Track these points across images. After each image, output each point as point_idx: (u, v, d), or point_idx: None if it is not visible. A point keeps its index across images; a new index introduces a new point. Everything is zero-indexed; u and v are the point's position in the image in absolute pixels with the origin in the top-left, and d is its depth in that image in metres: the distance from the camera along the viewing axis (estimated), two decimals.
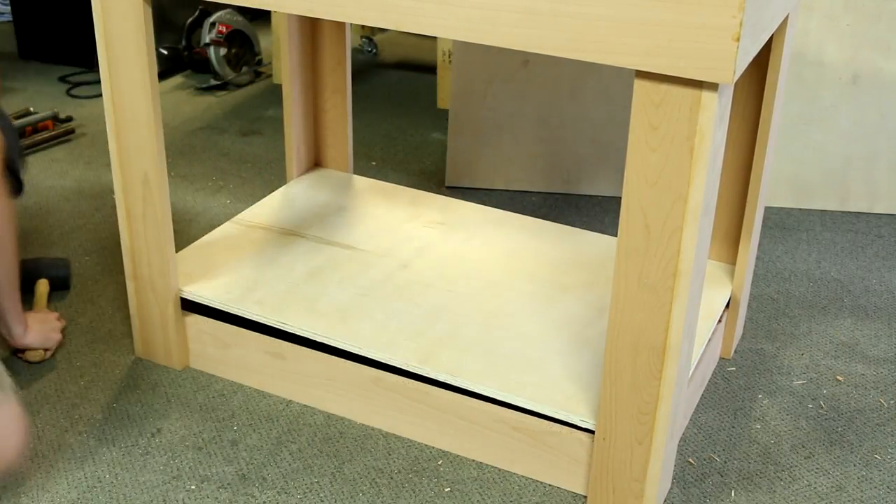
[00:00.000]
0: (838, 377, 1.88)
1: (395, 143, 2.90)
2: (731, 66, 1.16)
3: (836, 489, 1.60)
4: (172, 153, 2.75)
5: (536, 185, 2.61)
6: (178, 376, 1.81)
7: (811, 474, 1.63)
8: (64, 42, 3.38)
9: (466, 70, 2.50)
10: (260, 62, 3.37)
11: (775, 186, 2.53)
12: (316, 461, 1.63)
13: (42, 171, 2.63)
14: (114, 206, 2.43)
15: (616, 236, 1.37)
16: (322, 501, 1.54)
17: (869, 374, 1.89)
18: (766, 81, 1.69)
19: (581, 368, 1.63)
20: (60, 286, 2.08)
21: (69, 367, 1.83)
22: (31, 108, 2.89)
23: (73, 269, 2.15)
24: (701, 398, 1.80)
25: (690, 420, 1.75)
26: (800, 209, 2.55)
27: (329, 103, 2.20)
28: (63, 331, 1.91)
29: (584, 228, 2.42)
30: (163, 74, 3.32)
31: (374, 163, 2.76)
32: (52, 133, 2.79)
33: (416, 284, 1.83)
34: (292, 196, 2.15)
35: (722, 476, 1.62)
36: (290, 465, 1.62)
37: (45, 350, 1.84)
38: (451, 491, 1.57)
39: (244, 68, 3.31)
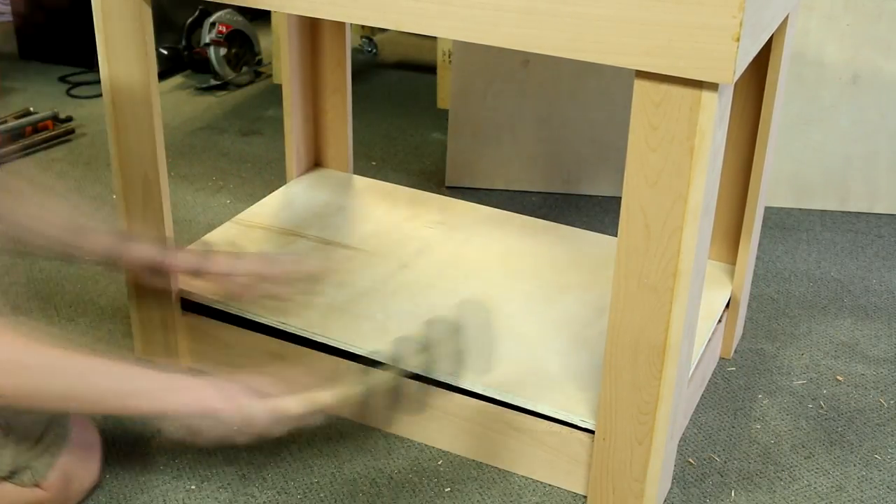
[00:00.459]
0: (838, 377, 1.88)
1: (395, 143, 2.90)
2: (731, 66, 1.16)
3: (836, 489, 1.60)
4: (172, 153, 2.75)
5: (536, 185, 2.61)
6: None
7: (811, 474, 1.63)
8: (64, 42, 3.38)
9: (466, 70, 2.50)
10: (260, 62, 3.37)
11: (775, 186, 2.53)
12: (316, 461, 1.63)
13: (42, 171, 2.63)
14: (114, 206, 2.43)
15: (616, 236, 1.36)
16: (322, 501, 1.54)
17: (869, 374, 1.89)
18: (766, 81, 1.69)
19: (581, 369, 1.63)
20: None
21: None
22: (31, 108, 2.89)
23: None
24: (701, 398, 1.80)
25: (690, 420, 1.75)
26: (800, 209, 2.55)
27: (329, 103, 2.20)
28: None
29: (584, 228, 2.42)
30: (163, 74, 3.31)
31: (374, 163, 2.76)
32: (52, 133, 2.79)
33: (417, 285, 1.83)
34: (292, 196, 2.15)
35: (722, 476, 1.62)
36: (290, 465, 1.62)
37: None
38: (451, 491, 1.57)
39: (244, 68, 3.31)
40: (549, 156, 2.57)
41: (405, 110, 3.15)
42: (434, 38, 3.56)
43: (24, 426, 1.37)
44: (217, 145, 2.84)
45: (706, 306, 1.79)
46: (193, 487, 1.56)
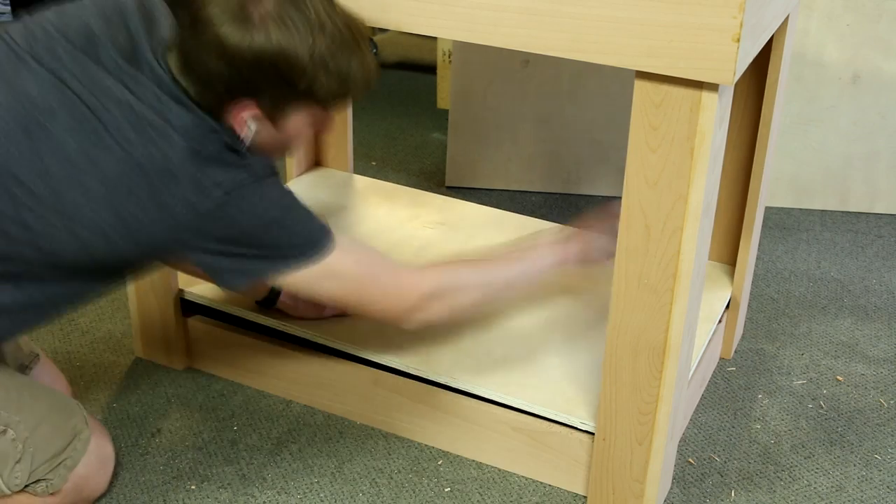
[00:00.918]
0: (838, 377, 1.88)
1: (395, 143, 2.90)
2: (732, 66, 1.16)
3: (836, 489, 1.60)
4: None
5: (536, 185, 2.61)
6: (178, 376, 1.81)
7: (811, 474, 1.63)
8: None
9: (466, 70, 2.50)
10: None
11: (775, 186, 2.53)
12: (316, 461, 1.63)
13: None
14: None
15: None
16: (322, 501, 1.54)
17: (869, 374, 1.89)
18: (766, 81, 1.69)
19: (580, 371, 1.63)
20: None
21: (69, 368, 1.83)
22: None
23: None
24: (701, 398, 1.80)
25: (690, 420, 1.75)
26: (800, 209, 2.55)
27: None
28: None
29: None
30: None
31: (374, 163, 2.76)
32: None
33: None
34: None
35: (722, 476, 1.62)
36: (290, 465, 1.62)
37: None
38: (451, 491, 1.57)
39: None
40: (549, 156, 2.57)
41: (405, 110, 3.15)
42: (434, 38, 3.56)
43: (44, 441, 1.38)
44: None
45: (706, 307, 1.79)
46: (193, 487, 1.56)
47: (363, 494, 1.56)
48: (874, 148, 2.47)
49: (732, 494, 1.59)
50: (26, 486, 1.37)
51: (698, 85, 1.21)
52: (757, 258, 2.27)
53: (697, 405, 1.79)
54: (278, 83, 1.24)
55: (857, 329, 2.04)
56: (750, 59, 1.26)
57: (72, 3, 1.33)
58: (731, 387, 1.84)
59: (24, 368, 1.56)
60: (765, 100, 1.71)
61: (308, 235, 1.34)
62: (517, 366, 1.64)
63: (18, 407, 1.36)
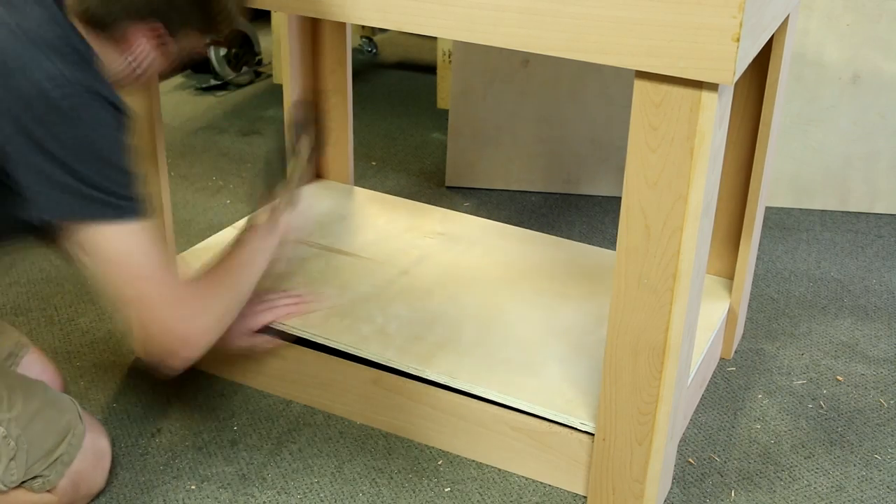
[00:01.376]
0: (838, 377, 1.88)
1: (395, 143, 2.90)
2: (732, 66, 1.16)
3: (836, 489, 1.60)
4: (172, 153, 2.75)
5: (536, 185, 2.61)
6: (178, 376, 1.81)
7: (811, 474, 1.63)
8: None
9: (466, 70, 2.50)
10: (260, 62, 3.37)
11: (775, 186, 2.53)
12: (316, 461, 1.63)
13: None
14: None
15: (616, 238, 1.37)
16: (322, 501, 1.54)
17: (869, 374, 1.89)
18: (766, 81, 1.69)
19: (580, 374, 1.63)
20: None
21: (69, 368, 1.83)
22: None
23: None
24: (701, 398, 1.80)
25: (690, 420, 1.75)
26: (800, 209, 2.55)
27: (329, 104, 2.20)
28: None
29: (584, 228, 2.42)
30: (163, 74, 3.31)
31: (374, 163, 2.76)
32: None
33: (417, 290, 1.83)
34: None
35: (722, 476, 1.62)
36: (290, 465, 1.62)
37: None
38: (451, 491, 1.57)
39: (244, 68, 3.31)
40: (549, 156, 2.57)
41: (405, 110, 3.16)
42: (434, 38, 3.56)
43: (38, 438, 1.38)
44: (217, 145, 2.84)
45: (706, 315, 1.79)
46: (193, 487, 1.56)
47: (363, 494, 1.56)
48: (874, 148, 2.47)
49: (732, 494, 1.59)
50: (23, 482, 1.37)
51: (698, 85, 1.21)
52: (757, 258, 2.27)
53: (697, 405, 1.79)
54: (194, 9, 1.29)
55: (857, 329, 2.04)
56: (750, 59, 1.26)
57: None
58: (731, 387, 1.84)
59: (12, 357, 1.55)
60: (765, 100, 1.71)
61: (130, 191, 1.25)
62: (517, 367, 1.64)
63: (10, 404, 1.36)
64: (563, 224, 2.44)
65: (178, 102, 3.14)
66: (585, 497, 1.57)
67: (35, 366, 1.59)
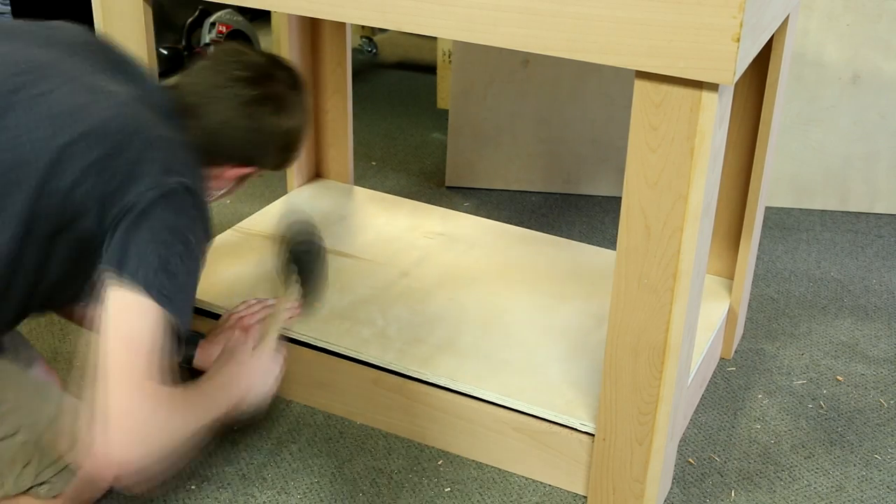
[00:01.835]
0: (838, 377, 1.88)
1: (395, 143, 2.90)
2: (732, 66, 1.16)
3: (836, 489, 1.60)
4: None
5: (536, 185, 2.61)
6: (179, 377, 1.81)
7: (811, 474, 1.63)
8: None
9: (466, 70, 2.50)
10: None
11: (775, 186, 2.53)
12: (316, 461, 1.63)
13: None
14: None
15: (615, 238, 1.36)
16: (322, 501, 1.54)
17: (869, 374, 1.89)
18: (766, 81, 1.69)
19: (580, 374, 1.63)
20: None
21: (69, 368, 1.83)
22: None
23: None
24: (701, 398, 1.80)
25: (690, 420, 1.75)
26: (800, 209, 2.55)
27: (329, 104, 2.20)
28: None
29: (584, 228, 2.42)
30: (163, 74, 3.31)
31: (374, 163, 2.76)
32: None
33: (417, 292, 1.83)
34: (293, 206, 2.15)
35: (722, 476, 1.62)
36: (290, 465, 1.62)
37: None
38: (451, 491, 1.57)
39: None
40: (549, 156, 2.57)
41: (405, 110, 3.16)
42: (434, 38, 3.56)
43: (52, 443, 1.37)
44: None
45: (706, 315, 1.79)
46: (193, 487, 1.56)
47: (363, 494, 1.56)
48: (874, 148, 2.47)
49: (732, 494, 1.59)
50: (29, 488, 1.37)
51: (698, 85, 1.21)
52: (757, 258, 2.27)
53: (697, 405, 1.79)
54: (281, 155, 1.44)
55: (857, 329, 2.04)
56: (750, 59, 1.26)
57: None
58: (731, 387, 1.84)
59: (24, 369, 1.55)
60: (765, 100, 1.71)
61: (184, 291, 1.25)
62: (517, 368, 1.64)
63: (30, 409, 1.36)
64: (563, 224, 2.44)
65: None
66: (585, 497, 1.57)
67: (40, 376, 1.58)
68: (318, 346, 1.69)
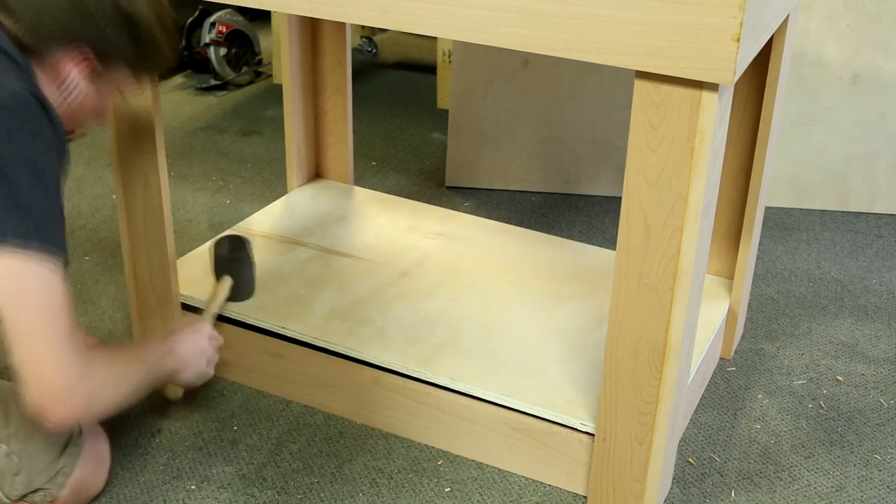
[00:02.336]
0: (838, 377, 1.88)
1: (395, 143, 2.90)
2: (732, 66, 1.16)
3: (836, 489, 1.60)
4: (172, 153, 2.75)
5: (536, 185, 2.61)
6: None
7: (811, 474, 1.63)
8: None
9: (466, 70, 2.50)
10: (260, 62, 3.37)
11: (775, 186, 2.53)
12: (316, 461, 1.63)
13: None
14: (114, 206, 2.44)
15: (615, 238, 1.37)
16: (322, 501, 1.54)
17: (869, 374, 1.89)
18: (766, 81, 1.69)
19: (580, 374, 1.63)
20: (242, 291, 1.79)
21: None
22: None
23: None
24: (701, 398, 1.80)
25: (690, 420, 1.75)
26: (800, 209, 2.55)
27: (329, 103, 2.20)
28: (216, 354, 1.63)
29: (584, 228, 2.42)
30: (163, 74, 3.31)
31: (374, 163, 2.76)
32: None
33: (417, 292, 1.83)
34: (293, 206, 2.15)
35: (722, 476, 1.62)
36: (290, 465, 1.62)
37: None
38: (451, 491, 1.57)
39: (244, 68, 3.31)
40: (549, 156, 2.57)
41: (405, 110, 3.15)
42: (434, 38, 3.56)
43: (40, 451, 1.37)
44: (217, 145, 2.84)
45: (706, 315, 1.79)
46: (193, 487, 1.56)
47: (363, 494, 1.56)
48: (874, 148, 2.47)
49: (732, 494, 1.59)
50: (24, 495, 1.37)
51: (698, 85, 1.21)
52: (757, 258, 2.27)
53: (697, 405, 1.79)
54: (125, 39, 1.27)
55: (857, 329, 2.04)
56: (750, 59, 1.26)
57: None
58: (731, 387, 1.84)
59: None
60: (765, 100, 1.71)
61: (49, 220, 1.18)
62: (517, 368, 1.64)
63: (7, 420, 1.35)
64: (563, 224, 2.44)
65: (178, 102, 3.14)
66: (585, 497, 1.57)
67: None
68: (318, 345, 1.69)
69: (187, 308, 1.79)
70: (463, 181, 2.62)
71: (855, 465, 1.66)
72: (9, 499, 1.35)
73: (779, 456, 1.67)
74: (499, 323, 1.76)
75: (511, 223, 2.20)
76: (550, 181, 2.60)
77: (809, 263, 2.29)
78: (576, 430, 1.53)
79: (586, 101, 2.50)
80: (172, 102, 3.14)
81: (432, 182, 2.65)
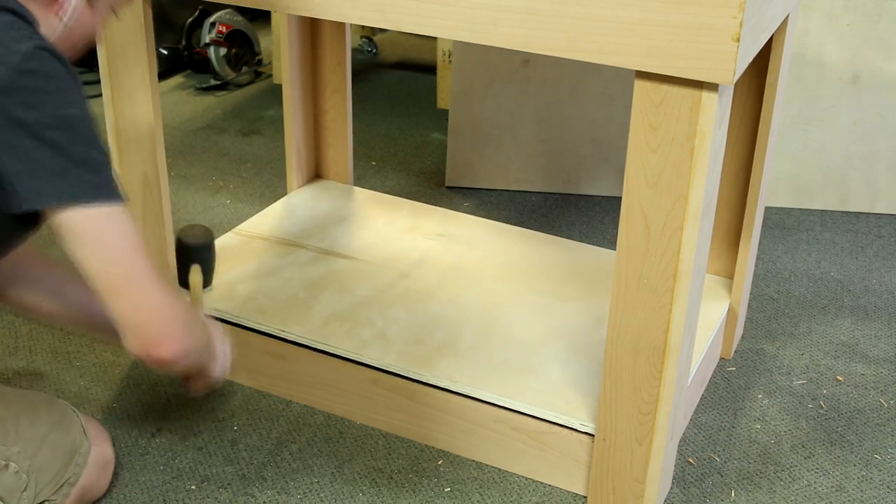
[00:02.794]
0: (838, 377, 1.88)
1: (395, 143, 2.90)
2: (732, 66, 1.16)
3: (836, 489, 1.60)
4: (172, 153, 2.75)
5: (536, 185, 2.61)
6: (179, 376, 1.81)
7: (811, 474, 1.63)
8: None
9: (466, 70, 2.50)
10: (260, 62, 3.37)
11: (775, 186, 2.53)
12: (316, 461, 1.63)
13: None
14: None
15: (616, 238, 1.37)
16: (322, 501, 1.54)
17: (869, 374, 1.89)
18: (766, 81, 1.69)
19: (580, 375, 1.63)
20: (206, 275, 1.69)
21: (69, 368, 1.83)
22: None
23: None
24: (701, 398, 1.80)
25: (690, 420, 1.75)
26: (800, 209, 2.55)
27: (329, 103, 2.20)
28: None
29: (584, 228, 2.42)
30: (163, 74, 3.31)
31: (374, 163, 2.76)
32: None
33: (416, 293, 1.83)
34: (293, 207, 2.15)
35: (722, 476, 1.62)
36: (290, 465, 1.62)
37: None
38: (451, 491, 1.57)
39: (244, 68, 3.31)
40: (549, 156, 2.57)
41: (405, 110, 3.15)
42: (434, 38, 3.56)
43: (47, 464, 1.37)
44: (217, 145, 2.84)
45: (706, 314, 1.79)
46: (193, 487, 1.56)
47: (363, 494, 1.56)
48: (874, 148, 2.47)
49: (732, 494, 1.59)
50: None
51: (698, 85, 1.21)
52: (757, 258, 2.27)
53: (697, 405, 1.79)
54: None
55: (857, 329, 2.04)
56: (750, 59, 1.26)
57: None
58: (731, 387, 1.84)
59: None
60: (765, 100, 1.71)
61: (105, 167, 1.19)
62: (517, 369, 1.64)
63: (16, 436, 1.34)
64: (563, 224, 2.44)
65: (178, 102, 3.14)
66: (585, 497, 1.57)
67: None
68: (319, 348, 1.69)
69: None
70: (463, 181, 2.62)
71: (855, 465, 1.66)
72: None
73: (779, 456, 1.67)
74: (498, 323, 1.76)
75: (511, 223, 2.20)
76: (550, 181, 2.60)
77: (809, 263, 2.29)
78: (576, 430, 1.53)
79: (586, 101, 2.50)
80: (172, 102, 3.14)
81: (432, 182, 2.65)
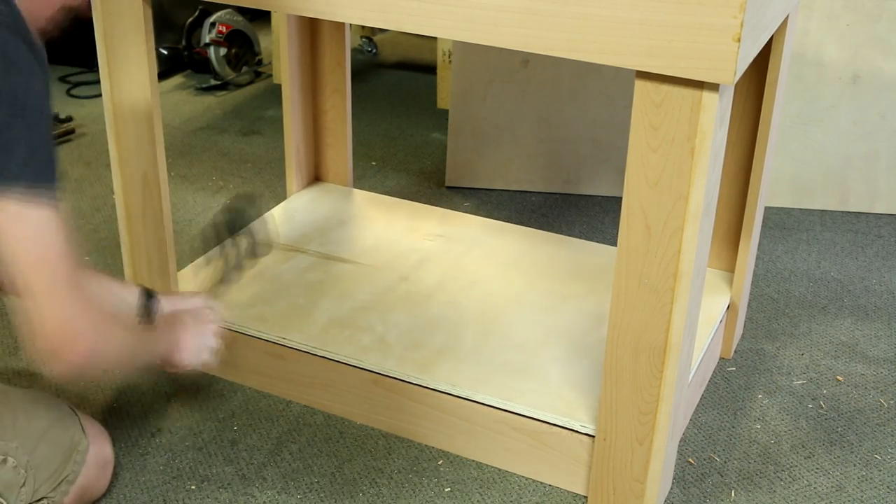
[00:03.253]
0: (838, 377, 1.88)
1: (395, 143, 2.89)
2: (732, 66, 1.16)
3: (836, 489, 1.60)
4: (172, 153, 2.75)
5: (536, 185, 2.61)
6: (178, 376, 1.81)
7: (811, 474, 1.63)
8: (64, 42, 3.37)
9: (466, 70, 2.50)
10: (260, 62, 3.37)
11: (775, 186, 2.53)
12: (316, 461, 1.63)
13: None
14: (114, 206, 2.43)
15: (616, 238, 1.37)
16: (322, 501, 1.54)
17: (869, 374, 1.89)
18: (766, 81, 1.69)
19: (580, 375, 1.63)
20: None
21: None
22: None
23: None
24: (701, 398, 1.80)
25: (690, 420, 1.75)
26: (800, 209, 2.55)
27: (329, 103, 2.20)
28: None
29: (585, 228, 2.42)
30: (163, 74, 3.31)
31: (374, 163, 2.76)
32: (53, 133, 2.79)
33: (416, 296, 1.83)
34: (292, 211, 2.15)
35: (722, 476, 1.62)
36: (290, 465, 1.62)
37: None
38: (451, 491, 1.57)
39: (244, 68, 3.31)
40: (549, 156, 2.57)
41: (405, 110, 3.15)
42: (434, 38, 3.56)
43: (45, 460, 1.36)
44: (217, 145, 2.84)
45: (706, 309, 1.79)
46: (193, 487, 1.56)
47: (363, 494, 1.56)
48: (874, 148, 2.47)
49: (732, 494, 1.59)
50: None
51: (699, 85, 1.21)
52: (757, 258, 2.27)
53: (697, 405, 1.79)
54: None
55: (857, 329, 2.04)
56: (750, 59, 1.26)
57: None
58: (731, 387, 1.84)
59: None
60: (765, 100, 1.71)
61: (47, 158, 1.14)
62: (517, 370, 1.64)
63: (14, 431, 1.34)
64: (563, 224, 2.44)
65: (178, 102, 3.14)
66: (586, 497, 1.57)
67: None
68: (318, 354, 1.69)
69: None
70: (463, 181, 2.62)
71: (855, 465, 1.66)
72: None
73: (779, 456, 1.67)
74: (498, 324, 1.75)
75: (511, 223, 2.20)
76: (550, 181, 2.60)
77: (809, 263, 2.29)
78: (575, 431, 1.53)
79: (586, 101, 2.50)
80: (172, 102, 3.14)
81: (432, 182, 2.65)
